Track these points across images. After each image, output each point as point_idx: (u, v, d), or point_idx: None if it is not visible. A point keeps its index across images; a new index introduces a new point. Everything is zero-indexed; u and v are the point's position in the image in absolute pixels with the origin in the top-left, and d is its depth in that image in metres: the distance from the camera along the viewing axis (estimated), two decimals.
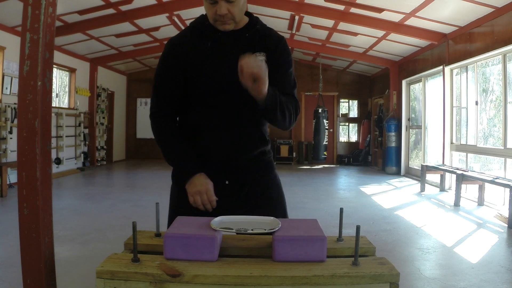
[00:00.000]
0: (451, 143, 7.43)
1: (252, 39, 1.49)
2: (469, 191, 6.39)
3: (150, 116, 1.54)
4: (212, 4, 1.38)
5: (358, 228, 1.08)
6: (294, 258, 1.11)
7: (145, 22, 8.13)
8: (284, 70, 1.53)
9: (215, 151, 1.50)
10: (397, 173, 9.70)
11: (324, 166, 11.92)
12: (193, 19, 1.55)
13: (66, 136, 8.90)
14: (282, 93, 1.46)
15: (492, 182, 5.15)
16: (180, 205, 1.52)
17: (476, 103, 6.59)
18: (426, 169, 7.24)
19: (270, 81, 1.37)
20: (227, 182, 1.51)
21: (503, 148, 5.76)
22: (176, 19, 7.92)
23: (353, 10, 7.12)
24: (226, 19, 1.40)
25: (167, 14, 7.68)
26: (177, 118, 1.56)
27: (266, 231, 1.17)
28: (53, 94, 8.91)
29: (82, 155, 9.90)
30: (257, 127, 1.54)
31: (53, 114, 6.90)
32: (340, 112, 12.99)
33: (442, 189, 7.22)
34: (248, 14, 1.53)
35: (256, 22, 1.52)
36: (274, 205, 1.57)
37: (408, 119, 9.70)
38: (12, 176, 6.65)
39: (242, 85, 1.35)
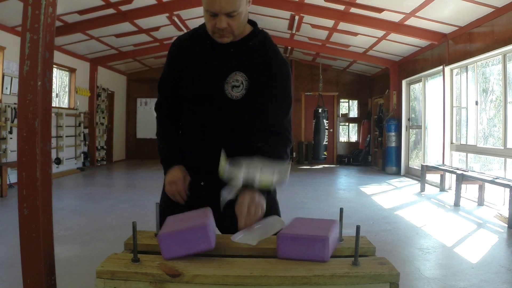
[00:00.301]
0: (451, 143, 7.43)
1: (237, 54, 1.45)
2: (469, 191, 6.39)
3: (154, 108, 1.63)
4: (212, 16, 1.34)
5: (358, 228, 1.08)
6: (298, 256, 1.11)
7: (145, 22, 8.13)
8: (273, 95, 1.46)
9: (196, 153, 1.51)
10: (397, 173, 9.69)
11: (324, 166, 11.91)
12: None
13: (66, 136, 8.90)
14: (271, 130, 1.45)
15: (492, 182, 5.15)
16: (169, 204, 1.53)
17: (476, 103, 6.58)
18: (426, 169, 7.24)
19: (260, 104, 1.39)
20: (202, 184, 1.50)
21: (503, 148, 5.75)
22: (176, 19, 7.91)
23: (353, 10, 7.12)
24: (225, 33, 1.37)
25: (167, 14, 7.68)
26: (178, 116, 1.59)
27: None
28: (53, 94, 8.91)
29: (82, 155, 9.90)
30: (239, 136, 1.49)
31: (53, 114, 6.88)
32: (340, 112, 12.98)
33: (442, 189, 7.22)
34: (253, 24, 1.50)
35: (253, 37, 1.47)
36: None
37: (408, 119, 9.70)
38: (12, 176, 6.64)
39: (218, 96, 1.41)
